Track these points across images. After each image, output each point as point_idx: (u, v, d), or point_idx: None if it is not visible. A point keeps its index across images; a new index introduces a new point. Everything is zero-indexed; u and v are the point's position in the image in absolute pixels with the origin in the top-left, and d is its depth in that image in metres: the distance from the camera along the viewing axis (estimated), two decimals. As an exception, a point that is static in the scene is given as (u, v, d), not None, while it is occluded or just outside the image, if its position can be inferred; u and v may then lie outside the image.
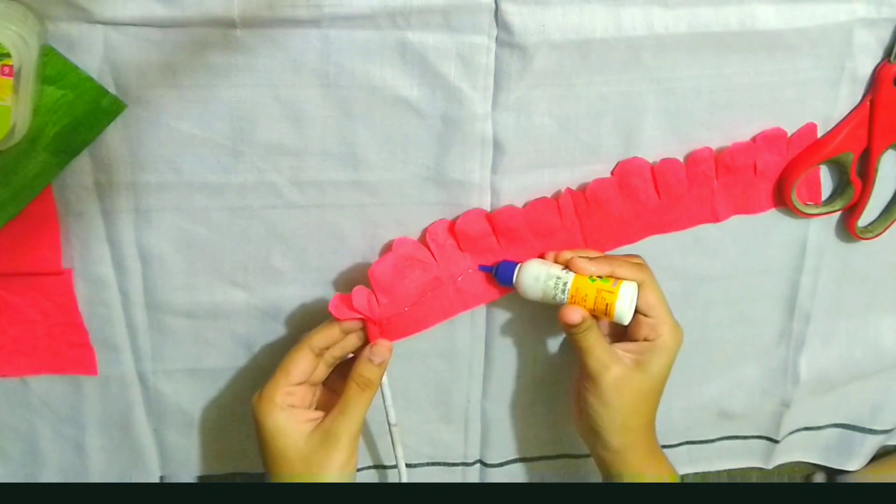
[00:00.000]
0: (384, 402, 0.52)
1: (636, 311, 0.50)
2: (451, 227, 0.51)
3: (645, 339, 0.51)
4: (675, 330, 0.52)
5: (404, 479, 0.53)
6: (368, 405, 0.50)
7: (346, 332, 0.50)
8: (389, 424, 0.53)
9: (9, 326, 0.52)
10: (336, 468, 0.48)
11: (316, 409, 0.51)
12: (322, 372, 0.51)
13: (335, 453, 0.48)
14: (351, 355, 0.51)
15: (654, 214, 0.53)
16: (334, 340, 0.50)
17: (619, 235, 0.53)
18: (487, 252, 0.52)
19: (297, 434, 0.49)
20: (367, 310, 0.49)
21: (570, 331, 0.50)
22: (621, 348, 0.52)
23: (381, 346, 0.49)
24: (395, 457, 0.54)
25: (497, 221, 0.51)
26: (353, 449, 0.49)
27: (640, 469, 0.52)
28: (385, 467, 0.62)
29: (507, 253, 0.52)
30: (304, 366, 0.49)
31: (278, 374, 0.49)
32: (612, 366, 0.50)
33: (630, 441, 0.52)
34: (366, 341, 0.50)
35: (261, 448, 0.50)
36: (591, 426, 0.52)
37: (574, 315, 0.49)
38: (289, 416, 0.49)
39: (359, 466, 0.62)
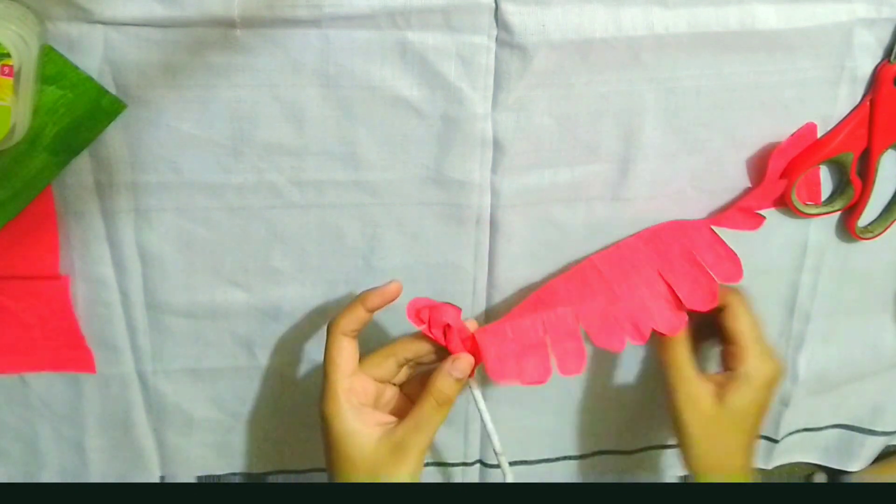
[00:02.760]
0: (479, 410, 0.50)
1: (726, 339, 0.50)
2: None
3: (729, 369, 0.50)
4: (764, 362, 0.49)
5: (509, 479, 0.51)
6: (443, 421, 0.47)
7: (371, 311, 0.48)
8: (487, 428, 0.51)
9: (5, 329, 0.52)
10: (404, 480, 0.46)
11: (390, 412, 0.50)
12: (403, 374, 0.50)
13: (403, 466, 0.46)
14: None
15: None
16: (363, 320, 0.48)
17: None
18: None
19: (365, 438, 0.47)
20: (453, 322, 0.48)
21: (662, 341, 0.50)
22: (711, 378, 0.50)
23: (462, 361, 0.47)
24: (496, 455, 0.51)
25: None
26: (420, 462, 0.47)
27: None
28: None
29: None
30: (346, 352, 0.48)
31: (329, 371, 0.48)
32: (687, 386, 0.49)
33: (709, 466, 0.50)
34: (438, 350, 0.49)
35: (326, 450, 0.48)
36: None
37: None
38: (358, 416, 0.47)
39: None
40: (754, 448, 0.52)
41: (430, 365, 0.50)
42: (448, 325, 0.47)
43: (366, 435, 0.47)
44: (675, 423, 0.50)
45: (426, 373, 0.50)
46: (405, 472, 0.46)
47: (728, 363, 0.50)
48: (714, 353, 0.55)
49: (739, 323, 0.49)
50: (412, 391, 0.51)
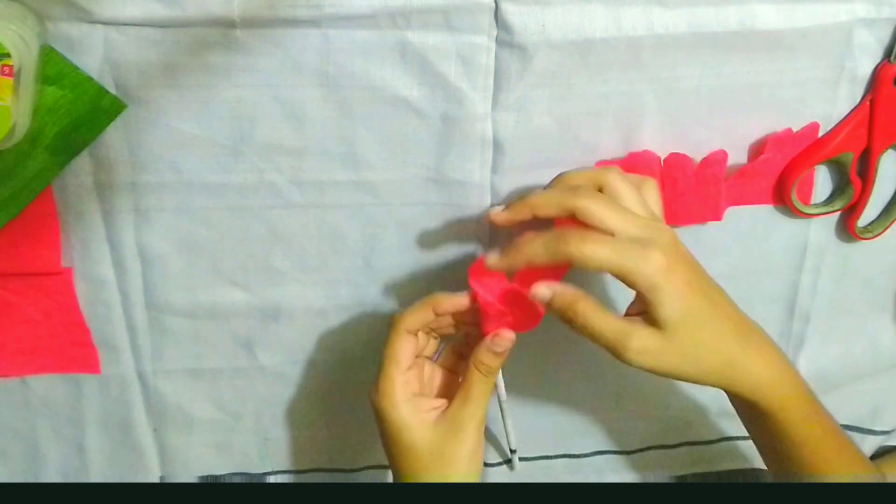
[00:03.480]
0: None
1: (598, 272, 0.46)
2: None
3: (634, 290, 0.43)
4: (647, 257, 0.42)
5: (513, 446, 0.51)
6: (491, 389, 0.49)
7: (439, 314, 0.48)
8: (500, 402, 0.52)
9: (10, 326, 0.52)
10: (465, 457, 0.48)
11: (436, 395, 0.50)
12: (432, 345, 0.50)
13: (464, 442, 0.47)
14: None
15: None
16: (428, 321, 0.49)
17: None
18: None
19: (423, 425, 0.48)
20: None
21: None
22: (630, 311, 0.45)
23: (503, 337, 0.48)
24: (506, 429, 0.52)
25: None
26: (480, 436, 0.48)
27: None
28: (385, 467, 0.61)
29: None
30: (408, 349, 0.48)
31: (387, 365, 0.48)
32: (628, 340, 0.43)
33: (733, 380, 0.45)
34: (472, 322, 0.49)
35: (385, 439, 0.49)
36: None
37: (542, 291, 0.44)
38: (413, 407, 0.48)
39: (358, 466, 0.62)
40: (737, 319, 0.46)
41: (454, 334, 0.50)
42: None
43: (423, 422, 0.48)
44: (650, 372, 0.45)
45: (458, 344, 0.51)
46: (467, 447, 0.47)
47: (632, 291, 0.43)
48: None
49: (589, 245, 0.42)
50: (447, 363, 0.51)
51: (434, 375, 0.52)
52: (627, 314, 0.45)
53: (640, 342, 0.43)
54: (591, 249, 0.42)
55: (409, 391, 0.48)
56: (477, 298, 0.48)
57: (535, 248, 0.43)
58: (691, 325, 0.43)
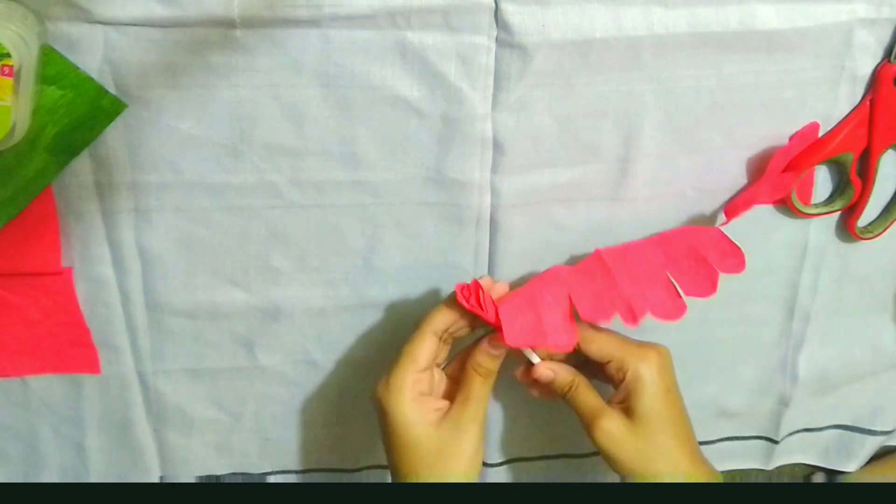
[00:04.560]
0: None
1: (601, 362, 0.50)
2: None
3: (619, 381, 0.50)
4: (643, 354, 0.50)
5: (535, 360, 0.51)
6: (490, 391, 0.50)
7: (465, 316, 0.49)
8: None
9: (10, 326, 0.52)
10: (466, 457, 0.48)
11: (441, 396, 0.51)
12: (444, 353, 0.51)
13: (465, 443, 0.48)
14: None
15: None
16: (456, 321, 0.49)
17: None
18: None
19: (426, 424, 0.48)
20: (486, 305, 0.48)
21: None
22: (613, 401, 0.50)
23: (500, 340, 0.48)
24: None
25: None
26: (480, 438, 0.49)
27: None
28: (385, 467, 0.61)
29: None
30: (430, 350, 0.49)
31: (405, 362, 0.49)
32: (598, 420, 0.49)
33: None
34: (469, 317, 0.49)
35: (387, 436, 0.49)
36: None
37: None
38: (419, 405, 0.49)
39: (358, 466, 0.62)
40: (691, 437, 0.51)
41: (466, 337, 0.51)
42: (479, 292, 0.48)
43: (427, 422, 0.49)
44: (606, 462, 0.50)
45: (465, 353, 0.51)
46: (468, 445, 0.48)
47: (616, 378, 0.50)
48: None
49: (596, 341, 0.50)
50: (454, 373, 0.52)
51: (441, 382, 0.52)
52: (609, 402, 0.51)
53: (609, 424, 0.49)
54: (599, 334, 0.51)
55: (417, 390, 0.49)
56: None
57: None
58: (659, 426, 0.49)
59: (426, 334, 0.49)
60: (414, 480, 0.48)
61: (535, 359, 0.51)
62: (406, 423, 0.48)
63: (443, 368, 0.52)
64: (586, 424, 0.50)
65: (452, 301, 0.49)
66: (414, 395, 0.49)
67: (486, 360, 0.49)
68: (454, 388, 0.51)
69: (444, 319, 0.49)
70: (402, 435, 0.49)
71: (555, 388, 0.51)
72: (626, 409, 0.49)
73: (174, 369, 0.56)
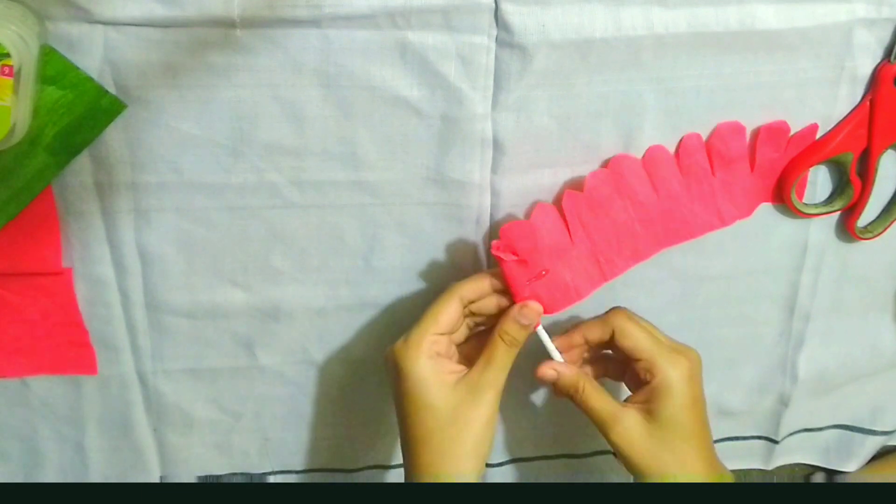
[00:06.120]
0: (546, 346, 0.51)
1: (631, 358, 0.49)
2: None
3: (645, 383, 0.49)
4: (675, 359, 0.48)
5: (557, 358, 0.51)
6: (513, 362, 0.49)
7: (494, 290, 0.49)
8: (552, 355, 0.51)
9: (9, 326, 0.52)
10: (482, 422, 0.47)
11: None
12: (463, 332, 0.50)
13: (481, 406, 0.47)
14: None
15: (659, 221, 0.53)
16: (483, 293, 0.49)
17: (630, 249, 0.53)
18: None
19: (442, 384, 0.47)
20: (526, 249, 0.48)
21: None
22: (633, 401, 0.49)
23: (530, 309, 0.48)
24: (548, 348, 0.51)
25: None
26: (496, 404, 0.48)
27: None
28: (385, 467, 0.62)
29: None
30: (453, 314, 0.48)
31: (426, 321, 0.48)
32: (613, 423, 0.48)
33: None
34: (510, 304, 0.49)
35: (401, 397, 0.48)
36: None
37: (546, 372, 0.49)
38: (435, 364, 0.47)
39: (358, 466, 0.62)
40: (712, 447, 0.50)
41: (488, 320, 0.51)
42: (518, 261, 0.48)
43: (443, 382, 0.47)
44: (622, 462, 0.49)
45: (482, 334, 0.51)
46: (483, 412, 0.47)
47: (643, 378, 0.49)
48: (614, 386, 0.54)
49: (633, 337, 0.49)
50: (470, 353, 0.51)
51: (456, 354, 0.51)
52: (628, 400, 0.50)
53: (627, 425, 0.48)
54: (637, 330, 0.49)
55: (435, 350, 0.48)
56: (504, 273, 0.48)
57: (589, 325, 0.51)
58: (680, 434, 0.48)
59: (452, 298, 0.48)
60: (425, 446, 0.47)
61: (556, 354, 0.50)
62: (421, 381, 0.47)
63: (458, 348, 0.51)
64: (601, 425, 0.49)
65: (484, 274, 0.49)
66: (431, 353, 0.48)
67: (515, 328, 0.48)
68: (470, 365, 0.49)
69: (472, 288, 0.49)
70: (416, 395, 0.47)
71: (559, 389, 0.50)
72: (648, 410, 0.48)
73: (174, 369, 0.56)
